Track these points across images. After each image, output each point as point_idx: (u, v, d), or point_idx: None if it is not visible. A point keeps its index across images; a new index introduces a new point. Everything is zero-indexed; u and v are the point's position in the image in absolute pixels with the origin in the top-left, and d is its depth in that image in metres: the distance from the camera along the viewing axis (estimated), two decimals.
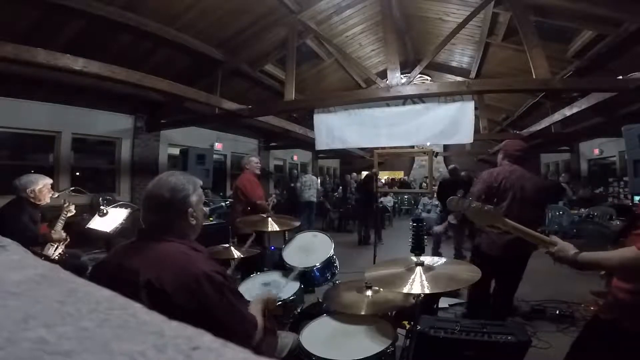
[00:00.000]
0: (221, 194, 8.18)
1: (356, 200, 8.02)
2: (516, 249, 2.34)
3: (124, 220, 3.16)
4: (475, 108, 4.50)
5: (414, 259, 1.74)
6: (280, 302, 1.98)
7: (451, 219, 3.10)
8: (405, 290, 1.55)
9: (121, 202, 3.62)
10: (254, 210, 3.52)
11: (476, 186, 2.69)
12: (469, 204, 1.55)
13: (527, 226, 1.46)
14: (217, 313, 1.14)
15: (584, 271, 1.31)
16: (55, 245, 3.02)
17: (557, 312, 3.25)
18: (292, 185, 8.22)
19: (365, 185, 7.38)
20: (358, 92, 6.10)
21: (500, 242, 2.39)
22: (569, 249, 1.33)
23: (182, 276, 1.12)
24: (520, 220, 1.49)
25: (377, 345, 1.58)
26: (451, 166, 6.46)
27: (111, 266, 1.23)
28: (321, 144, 5.15)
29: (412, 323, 1.78)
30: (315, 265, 2.32)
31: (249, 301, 1.65)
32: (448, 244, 6.40)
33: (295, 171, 10.32)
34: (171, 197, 1.22)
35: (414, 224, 3.76)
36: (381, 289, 1.90)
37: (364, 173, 9.12)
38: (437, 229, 4.37)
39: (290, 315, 2.08)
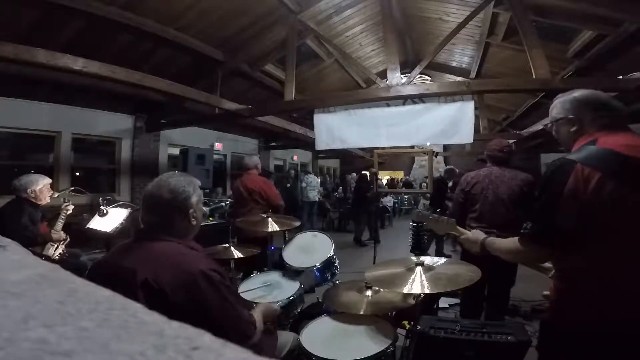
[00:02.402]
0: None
1: (352, 200, 8.05)
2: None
3: (124, 220, 3.16)
4: (475, 108, 4.49)
5: (414, 259, 1.74)
6: (280, 303, 1.99)
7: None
8: (405, 290, 1.55)
9: (121, 202, 3.61)
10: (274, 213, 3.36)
11: (456, 191, 2.74)
12: (428, 215, 1.75)
13: (509, 226, 1.52)
14: (215, 312, 1.14)
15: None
16: (55, 245, 3.03)
17: None
18: (289, 185, 8.18)
19: (359, 185, 7.41)
20: (358, 92, 6.09)
21: None
22: (480, 234, 1.51)
23: (179, 275, 1.12)
24: (497, 222, 1.58)
25: (377, 345, 1.58)
26: (448, 167, 6.50)
27: (109, 266, 1.24)
28: (321, 144, 5.14)
29: (412, 323, 1.79)
30: (315, 265, 2.33)
31: (252, 303, 1.66)
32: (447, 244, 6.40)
33: (294, 171, 10.35)
34: (172, 198, 1.24)
35: (414, 224, 3.76)
36: (381, 289, 1.90)
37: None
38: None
39: (290, 315, 2.08)
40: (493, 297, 2.64)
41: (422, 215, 1.80)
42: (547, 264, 1.32)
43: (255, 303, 1.92)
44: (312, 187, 7.92)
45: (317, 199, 7.99)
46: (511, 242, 1.29)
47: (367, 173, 7.57)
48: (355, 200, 7.59)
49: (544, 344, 1.28)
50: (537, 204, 1.18)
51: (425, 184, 12.56)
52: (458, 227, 1.62)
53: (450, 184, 6.06)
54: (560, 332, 1.17)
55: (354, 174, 10.05)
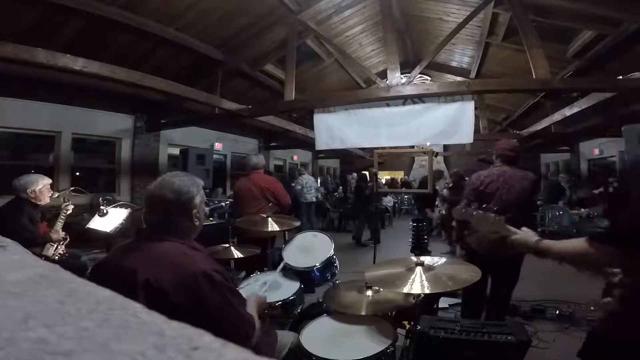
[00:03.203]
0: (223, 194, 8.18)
1: (352, 200, 8.07)
2: (504, 248, 2.35)
3: (124, 220, 3.16)
4: (475, 108, 4.50)
5: (414, 259, 1.74)
6: (280, 302, 1.99)
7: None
8: (405, 290, 1.55)
9: (121, 202, 3.61)
10: (283, 213, 3.29)
11: (465, 189, 2.72)
12: (472, 212, 1.61)
13: (517, 226, 1.49)
14: (215, 312, 1.14)
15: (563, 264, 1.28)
16: (55, 245, 3.02)
17: (557, 312, 3.25)
18: (293, 185, 8.16)
19: (358, 185, 7.45)
20: (358, 92, 6.10)
21: (485, 241, 2.38)
22: (530, 235, 1.37)
23: (180, 275, 1.12)
24: (509, 222, 1.53)
25: (377, 345, 1.58)
26: (437, 169, 6.59)
27: (110, 266, 1.24)
28: (321, 144, 5.14)
29: (412, 323, 1.78)
30: (315, 265, 2.32)
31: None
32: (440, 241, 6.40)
33: (297, 171, 10.27)
34: (175, 199, 1.23)
35: (414, 224, 3.77)
36: (381, 289, 1.90)
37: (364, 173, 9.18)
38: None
39: (290, 315, 2.08)
40: (495, 297, 2.65)
41: (466, 213, 1.70)
42: (613, 269, 1.22)
43: None
44: (309, 187, 7.87)
45: (313, 199, 7.95)
46: (576, 243, 1.18)
47: (367, 173, 7.59)
48: (355, 200, 7.61)
49: (591, 355, 1.21)
50: (614, 202, 1.12)
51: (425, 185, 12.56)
52: (507, 226, 1.49)
53: (450, 184, 6.07)
54: (615, 343, 1.08)
55: (354, 174, 10.07)
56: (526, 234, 1.41)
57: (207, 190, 6.38)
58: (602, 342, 1.17)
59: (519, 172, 2.58)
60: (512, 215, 2.37)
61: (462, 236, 2.84)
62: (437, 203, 7.01)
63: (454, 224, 2.95)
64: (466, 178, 5.72)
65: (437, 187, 6.57)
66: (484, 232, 1.58)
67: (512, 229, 1.47)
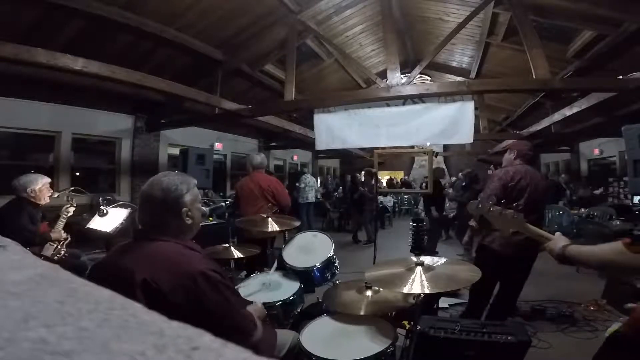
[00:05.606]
0: (221, 194, 8.16)
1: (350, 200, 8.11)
2: (529, 248, 2.35)
3: (124, 220, 3.16)
4: (475, 108, 4.50)
5: (414, 259, 1.74)
6: (280, 302, 1.99)
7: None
8: (405, 290, 1.54)
9: (121, 202, 3.61)
10: (282, 213, 3.26)
11: (491, 184, 2.63)
12: (488, 207, 1.52)
13: (535, 224, 1.49)
14: (214, 311, 1.14)
15: (579, 268, 1.21)
16: (55, 245, 3.02)
17: (557, 312, 3.25)
18: (298, 184, 8.17)
19: (349, 186, 7.50)
20: (358, 92, 6.10)
21: (514, 241, 2.33)
22: (559, 241, 1.28)
23: (177, 275, 1.12)
24: (531, 219, 1.53)
25: (377, 345, 1.58)
26: (438, 166, 6.64)
27: (108, 266, 1.24)
28: (321, 144, 5.14)
29: (412, 323, 1.78)
30: (315, 265, 2.32)
31: (251, 303, 1.66)
32: (448, 244, 6.40)
33: (305, 169, 10.23)
34: (164, 198, 1.23)
35: (414, 224, 3.76)
36: (381, 289, 1.90)
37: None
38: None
39: (290, 315, 2.08)
40: (502, 297, 2.66)
41: (481, 208, 1.56)
42: None
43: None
44: (310, 186, 7.93)
45: (313, 199, 7.99)
46: (609, 247, 1.11)
47: (358, 175, 7.66)
48: (349, 200, 7.69)
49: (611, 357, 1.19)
50: None
51: (425, 184, 12.56)
52: (528, 225, 1.40)
53: (444, 182, 6.07)
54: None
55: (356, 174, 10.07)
56: (557, 239, 1.30)
57: (207, 191, 6.37)
58: (627, 346, 1.14)
59: (538, 172, 2.69)
60: (535, 211, 2.44)
61: (479, 233, 2.81)
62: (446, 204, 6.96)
63: (471, 223, 2.87)
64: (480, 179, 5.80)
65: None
66: (503, 231, 1.50)
67: (534, 228, 1.40)
